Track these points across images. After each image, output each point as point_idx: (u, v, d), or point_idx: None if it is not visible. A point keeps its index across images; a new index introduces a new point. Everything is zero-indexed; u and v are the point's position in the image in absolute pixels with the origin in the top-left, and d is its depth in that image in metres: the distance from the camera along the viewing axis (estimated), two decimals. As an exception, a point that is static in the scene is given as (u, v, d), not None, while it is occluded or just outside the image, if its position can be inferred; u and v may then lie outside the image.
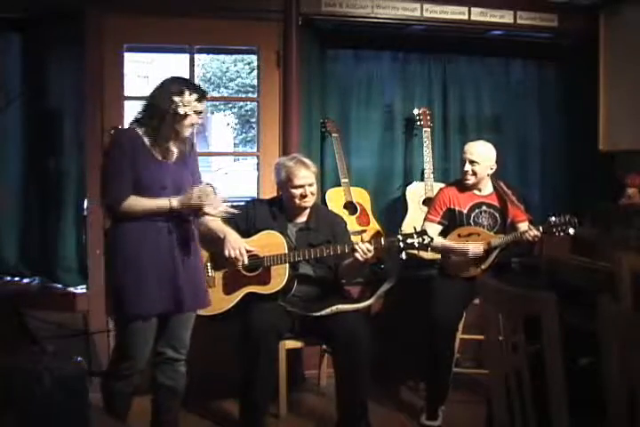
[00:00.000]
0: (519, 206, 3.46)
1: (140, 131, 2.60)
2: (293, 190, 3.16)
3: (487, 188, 3.49)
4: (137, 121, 2.64)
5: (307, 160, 3.25)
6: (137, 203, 2.54)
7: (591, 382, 1.88)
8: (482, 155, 3.39)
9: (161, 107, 2.57)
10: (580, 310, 2.33)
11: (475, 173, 3.40)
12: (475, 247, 3.35)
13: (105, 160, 2.67)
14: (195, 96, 2.60)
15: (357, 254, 2.99)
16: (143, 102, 2.67)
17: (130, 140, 2.58)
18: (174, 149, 2.64)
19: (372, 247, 2.99)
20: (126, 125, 2.92)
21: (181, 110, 2.58)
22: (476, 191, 3.48)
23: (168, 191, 2.58)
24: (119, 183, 2.54)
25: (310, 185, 3.19)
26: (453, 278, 3.41)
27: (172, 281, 2.59)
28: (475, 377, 3.55)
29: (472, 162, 3.39)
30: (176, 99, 2.57)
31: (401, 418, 3.32)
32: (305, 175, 3.16)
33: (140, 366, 2.62)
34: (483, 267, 3.38)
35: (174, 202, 2.55)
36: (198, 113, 2.63)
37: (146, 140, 2.58)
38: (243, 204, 3.37)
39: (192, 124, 2.63)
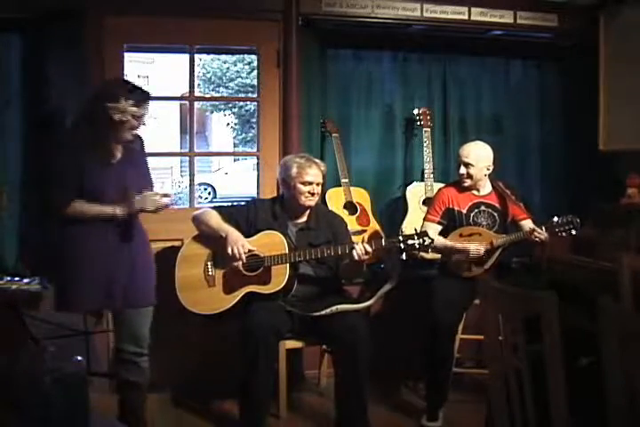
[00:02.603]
0: (519, 205, 3.47)
1: (81, 134, 2.61)
2: (301, 186, 3.16)
3: (486, 188, 3.49)
4: (77, 124, 2.67)
5: (317, 159, 3.29)
6: (81, 208, 2.61)
7: (591, 382, 1.88)
8: (477, 157, 3.40)
9: (95, 113, 2.58)
10: (580, 310, 2.33)
11: (470, 176, 3.41)
12: (476, 247, 3.35)
13: (47, 164, 2.69)
14: (131, 102, 2.58)
15: (355, 254, 3.00)
16: (81, 105, 2.70)
17: (72, 144, 2.61)
18: (117, 151, 2.67)
19: (370, 248, 3.00)
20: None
21: (117, 117, 2.57)
22: (474, 191, 3.48)
23: (111, 193, 2.62)
24: (62, 188, 2.60)
25: (318, 184, 3.20)
26: (454, 279, 3.41)
27: (112, 280, 2.65)
28: (475, 377, 3.55)
29: (467, 164, 3.40)
30: (110, 106, 2.56)
31: (400, 418, 3.31)
32: (315, 173, 3.19)
33: None
34: (485, 267, 3.38)
35: (118, 210, 2.60)
36: (138, 117, 2.62)
37: (87, 142, 2.60)
38: (243, 203, 3.37)
39: (132, 128, 2.63)
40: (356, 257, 3.00)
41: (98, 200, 2.64)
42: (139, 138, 2.76)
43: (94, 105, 2.60)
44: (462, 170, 3.41)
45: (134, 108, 2.59)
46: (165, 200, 2.68)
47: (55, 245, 2.72)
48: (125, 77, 2.70)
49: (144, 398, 2.85)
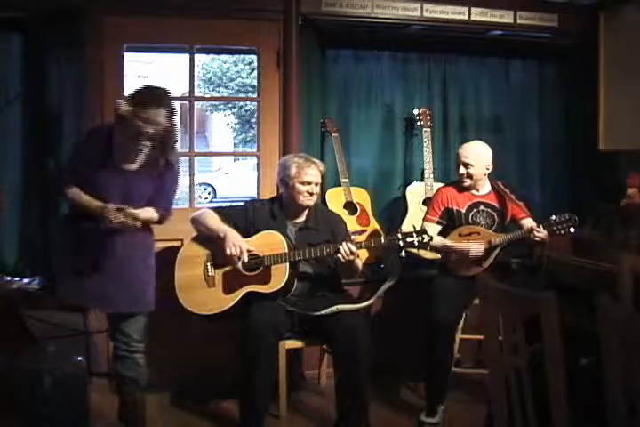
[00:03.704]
0: (519, 204, 3.47)
1: (105, 131, 2.69)
2: (300, 186, 3.16)
3: (485, 187, 3.50)
4: (111, 123, 2.72)
5: (316, 160, 3.29)
6: (76, 195, 2.65)
7: (591, 382, 1.88)
8: (476, 156, 3.40)
9: (120, 117, 2.62)
10: (580, 310, 2.33)
11: (470, 176, 3.42)
12: (475, 247, 3.35)
13: (72, 146, 2.81)
14: (141, 105, 2.58)
15: (339, 255, 3.00)
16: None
17: (97, 139, 2.68)
18: (136, 158, 2.66)
19: (354, 249, 3.01)
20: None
21: (137, 124, 2.57)
22: (473, 191, 3.49)
23: (112, 197, 2.62)
24: (71, 171, 2.67)
25: (316, 184, 3.20)
26: (454, 278, 3.41)
27: (100, 279, 2.68)
28: (475, 377, 3.55)
29: (466, 164, 3.40)
30: (124, 107, 2.60)
31: (401, 418, 3.31)
32: (314, 173, 3.19)
33: None
34: (484, 266, 3.38)
35: (103, 210, 2.58)
36: (148, 121, 2.59)
37: (108, 141, 2.66)
38: (242, 204, 3.37)
39: (142, 133, 2.59)
40: (341, 258, 3.01)
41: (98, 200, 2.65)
42: (176, 155, 2.77)
43: (121, 108, 2.62)
44: (462, 170, 3.42)
45: (154, 118, 2.58)
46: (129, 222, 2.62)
47: (56, 239, 2.80)
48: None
49: (143, 396, 2.85)
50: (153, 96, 2.63)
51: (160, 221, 2.81)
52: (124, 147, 2.64)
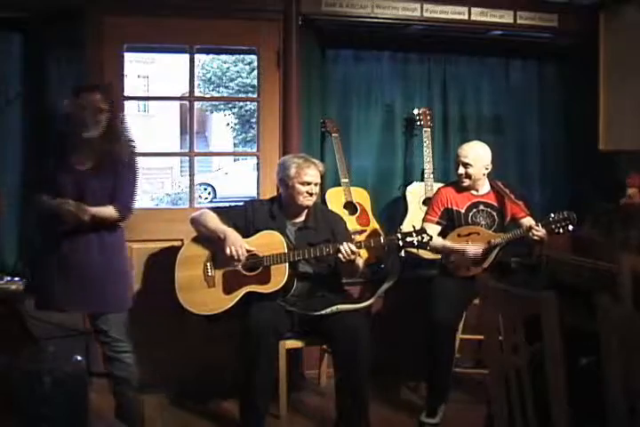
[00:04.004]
0: (518, 204, 3.47)
1: (62, 135, 2.74)
2: (300, 186, 3.16)
3: (484, 187, 3.50)
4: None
5: (316, 160, 3.29)
6: (38, 199, 2.70)
7: (591, 382, 1.88)
8: (475, 156, 3.41)
9: (64, 111, 2.70)
10: (580, 310, 2.33)
11: (469, 176, 3.42)
12: (474, 249, 3.35)
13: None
14: (75, 93, 2.67)
15: (340, 255, 3.01)
16: None
17: (52, 142, 2.75)
18: (89, 155, 2.69)
19: (355, 248, 3.01)
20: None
21: (67, 109, 2.67)
22: (473, 191, 3.49)
23: (74, 197, 2.64)
24: (37, 178, 2.77)
25: (316, 184, 3.21)
26: (454, 278, 3.41)
27: (65, 281, 2.70)
28: (475, 377, 3.55)
29: (466, 164, 3.41)
30: (65, 102, 2.68)
31: (401, 418, 3.31)
32: (314, 173, 3.19)
33: None
34: (483, 266, 3.38)
35: (64, 206, 2.62)
36: (82, 106, 2.64)
37: (62, 144, 2.71)
38: (241, 204, 3.36)
39: (80, 118, 2.64)
40: (342, 258, 3.01)
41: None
42: (129, 150, 2.78)
43: (64, 105, 2.72)
44: (461, 170, 3.42)
45: (86, 104, 2.64)
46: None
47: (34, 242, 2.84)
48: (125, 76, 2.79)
49: (136, 394, 2.88)
50: (85, 85, 2.77)
51: (120, 219, 2.77)
52: (76, 146, 2.68)
